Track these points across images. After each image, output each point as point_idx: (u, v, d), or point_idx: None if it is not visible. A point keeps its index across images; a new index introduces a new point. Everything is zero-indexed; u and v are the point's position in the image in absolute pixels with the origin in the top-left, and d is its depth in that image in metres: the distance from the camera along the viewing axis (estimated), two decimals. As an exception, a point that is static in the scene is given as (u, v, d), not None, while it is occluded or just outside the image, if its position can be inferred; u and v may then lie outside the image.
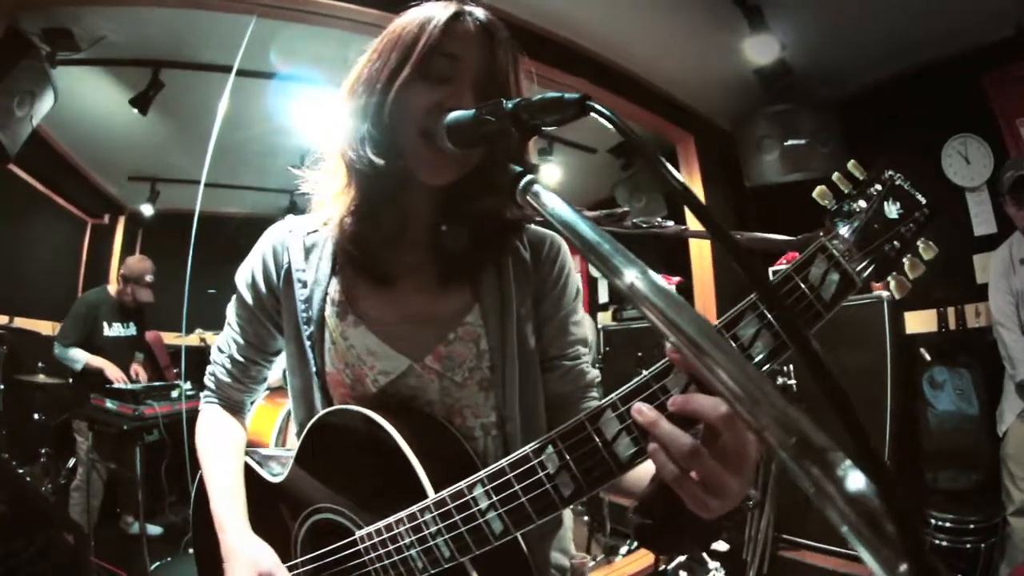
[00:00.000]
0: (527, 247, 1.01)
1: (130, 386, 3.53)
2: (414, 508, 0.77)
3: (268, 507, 0.97)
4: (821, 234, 0.67)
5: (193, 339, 4.71)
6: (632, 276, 0.49)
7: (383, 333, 0.94)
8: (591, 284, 5.76)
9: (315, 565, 0.90)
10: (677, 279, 4.19)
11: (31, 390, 3.48)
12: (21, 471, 2.81)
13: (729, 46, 3.22)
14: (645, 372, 0.65)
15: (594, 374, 1.04)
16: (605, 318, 5.33)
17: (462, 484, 0.74)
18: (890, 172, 0.69)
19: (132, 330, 3.99)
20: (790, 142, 3.41)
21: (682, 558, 3.05)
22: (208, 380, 1.10)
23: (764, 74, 3.33)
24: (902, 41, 3.22)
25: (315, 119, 3.97)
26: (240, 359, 1.06)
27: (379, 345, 0.93)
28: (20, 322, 3.79)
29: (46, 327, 4.09)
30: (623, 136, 0.55)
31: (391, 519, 0.79)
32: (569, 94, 0.60)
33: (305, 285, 0.97)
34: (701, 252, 3.80)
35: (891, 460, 3.00)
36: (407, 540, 0.78)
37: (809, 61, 3.33)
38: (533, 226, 1.03)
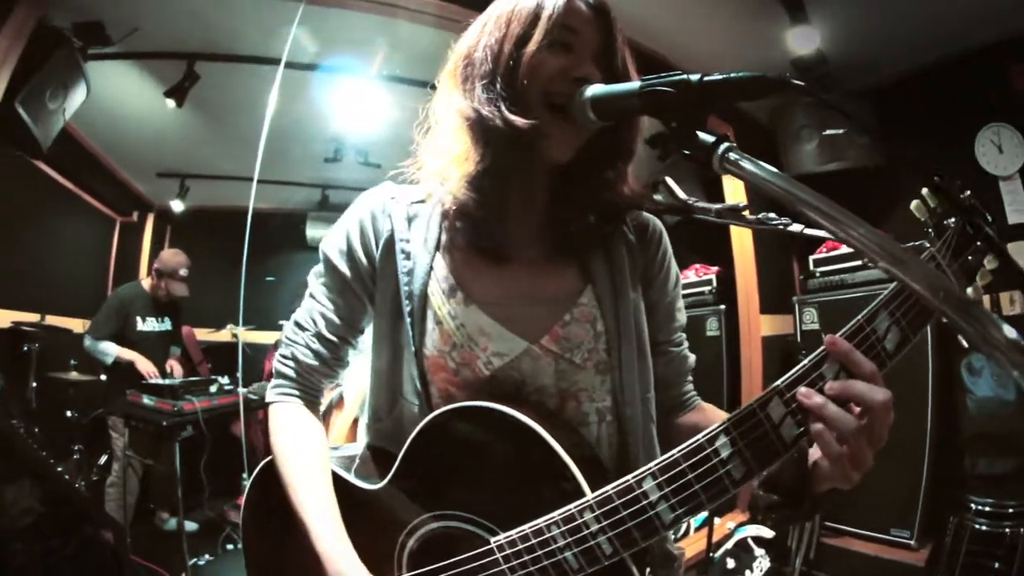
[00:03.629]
0: (631, 230, 0.95)
1: (167, 381, 3.33)
2: (571, 508, 0.69)
3: (359, 520, 0.82)
4: (928, 244, 0.69)
5: (225, 335, 4.58)
6: (858, 232, 0.51)
7: (496, 313, 0.84)
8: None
9: None
10: (716, 269, 4.05)
11: (63, 387, 3.30)
12: (59, 469, 2.61)
13: (767, 36, 3.07)
14: (805, 361, 0.66)
15: (693, 359, 1.02)
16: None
17: (629, 479, 0.68)
18: (968, 192, 0.72)
19: (167, 325, 3.80)
20: (828, 132, 3.24)
21: (728, 545, 2.97)
22: (285, 366, 0.91)
23: (801, 64, 3.18)
24: (937, 30, 3.05)
25: (351, 111, 3.82)
26: (330, 337, 0.90)
27: (492, 325, 0.83)
28: (51, 320, 3.64)
29: (77, 324, 3.93)
30: (848, 119, 0.71)
31: (540, 522, 0.70)
32: (771, 74, 0.62)
33: (408, 256, 0.86)
34: (742, 242, 3.63)
35: (932, 446, 2.88)
36: (562, 542, 0.69)
37: (845, 51, 3.16)
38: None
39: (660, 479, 0.67)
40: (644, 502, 0.67)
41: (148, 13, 2.75)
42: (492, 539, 0.73)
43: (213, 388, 3.44)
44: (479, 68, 0.81)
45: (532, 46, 0.78)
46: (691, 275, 4.19)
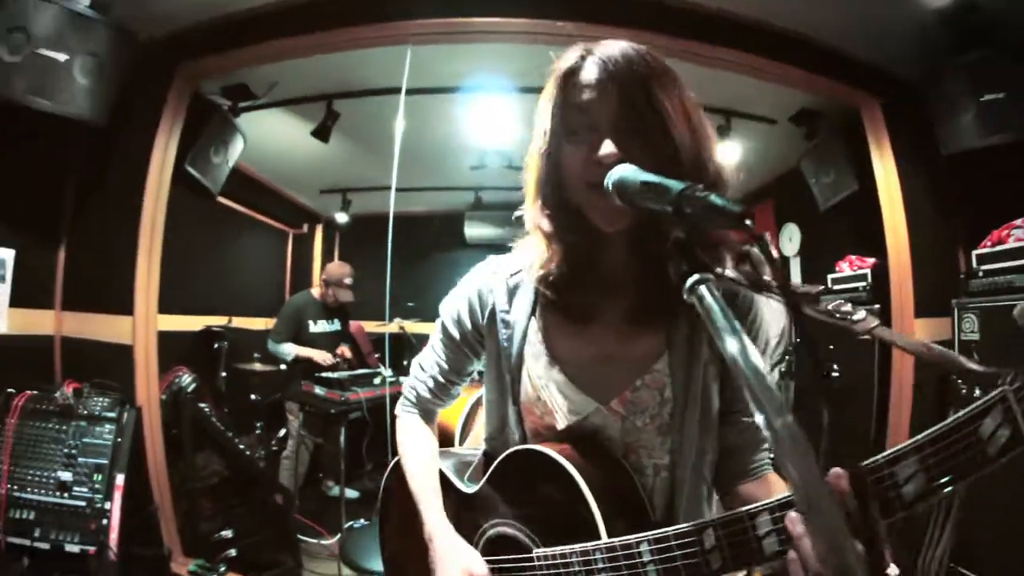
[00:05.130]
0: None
1: (337, 375, 3.87)
2: (588, 545, 0.84)
3: (457, 511, 1.09)
4: (1002, 381, 0.58)
5: (392, 327, 5.28)
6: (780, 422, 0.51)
7: (574, 375, 0.98)
8: (783, 263, 5.23)
9: (494, 568, 1.00)
10: (872, 261, 3.63)
11: (248, 376, 4.08)
12: (240, 444, 3.28)
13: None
14: (784, 491, 0.68)
15: None
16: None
17: (631, 538, 0.80)
18: None
19: (336, 326, 4.47)
20: (987, 97, 2.62)
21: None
22: (409, 392, 1.21)
23: (946, 16, 2.61)
24: None
25: (487, 124, 4.11)
26: (441, 380, 1.18)
27: (570, 387, 0.98)
28: (237, 321, 4.43)
29: (259, 323, 4.78)
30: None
31: (566, 548, 0.87)
32: (732, 205, 0.59)
33: (508, 325, 1.04)
34: (896, 232, 3.16)
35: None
36: (576, 569, 0.85)
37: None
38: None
39: (653, 547, 0.78)
40: (637, 560, 0.79)
41: (283, 69, 3.23)
42: (534, 551, 0.93)
43: (377, 380, 3.98)
44: (530, 176, 0.95)
45: (552, 145, 0.89)
46: (845, 268, 3.78)
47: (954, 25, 2.69)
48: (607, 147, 0.80)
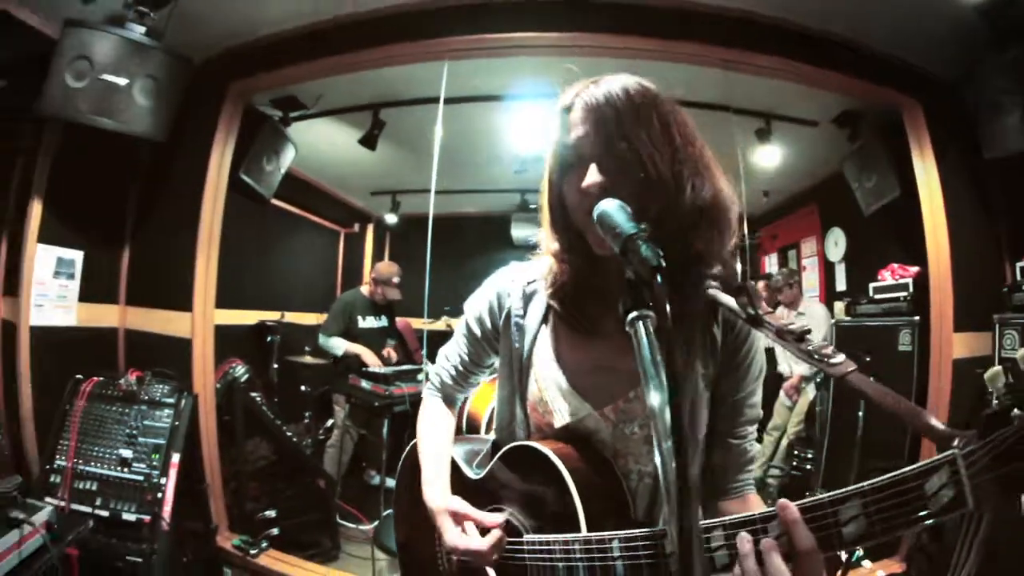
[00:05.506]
0: (719, 324, 1.04)
1: (383, 370, 4.06)
2: (568, 536, 0.92)
3: (463, 493, 1.17)
4: (955, 444, 0.59)
5: (440, 325, 5.44)
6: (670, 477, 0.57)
7: (575, 381, 1.07)
8: (827, 269, 5.08)
9: None
10: (915, 269, 3.51)
11: (298, 368, 4.30)
12: (288, 431, 3.53)
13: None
14: (765, 510, 0.72)
15: (755, 451, 1.10)
16: (839, 309, 4.68)
17: (606, 535, 0.88)
18: None
19: (384, 322, 4.65)
20: None
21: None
22: (434, 378, 1.32)
23: (984, 12, 2.50)
24: None
25: (526, 131, 4.17)
26: (462, 370, 1.28)
27: (570, 392, 1.07)
28: (290, 316, 4.69)
29: (310, 318, 4.99)
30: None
31: (550, 536, 0.96)
32: (653, 259, 0.65)
33: (521, 329, 1.13)
34: (937, 241, 3.07)
35: None
36: (558, 555, 0.94)
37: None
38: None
39: (623, 545, 0.86)
40: (608, 555, 0.87)
41: (330, 82, 3.41)
42: (525, 535, 1.02)
43: (420, 376, 4.11)
44: (543, 202, 1.03)
45: (555, 176, 0.97)
46: (887, 277, 3.66)
47: (992, 21, 2.57)
48: (589, 179, 0.87)
